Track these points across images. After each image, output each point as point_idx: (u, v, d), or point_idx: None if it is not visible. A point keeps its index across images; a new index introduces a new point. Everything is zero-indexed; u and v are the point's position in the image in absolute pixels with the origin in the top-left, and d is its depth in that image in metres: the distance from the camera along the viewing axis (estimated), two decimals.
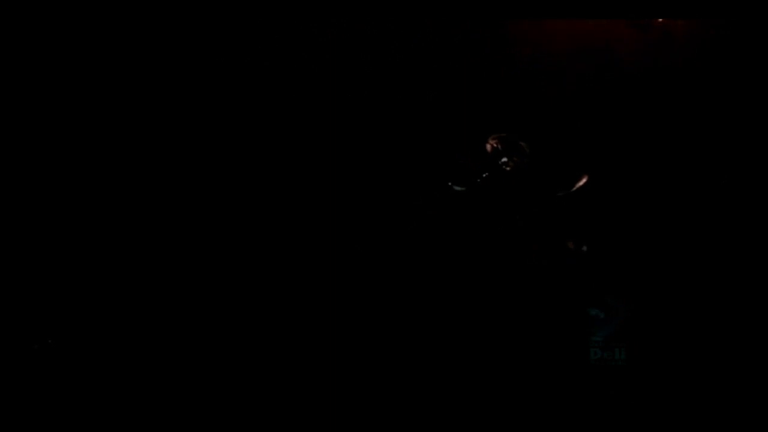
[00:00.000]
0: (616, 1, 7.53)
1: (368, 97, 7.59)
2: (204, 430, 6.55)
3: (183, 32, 7.62)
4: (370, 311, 6.89)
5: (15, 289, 7.03)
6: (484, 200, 6.68)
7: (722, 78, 7.49)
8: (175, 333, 6.91)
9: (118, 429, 6.49)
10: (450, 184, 6.69)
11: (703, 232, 7.21)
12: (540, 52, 7.62)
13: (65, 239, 7.25)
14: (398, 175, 7.45)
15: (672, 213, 7.30)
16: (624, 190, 7.35)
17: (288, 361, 6.78)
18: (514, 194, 6.63)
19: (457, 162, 6.80)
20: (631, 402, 6.48)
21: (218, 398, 6.64)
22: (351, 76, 7.62)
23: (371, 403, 6.57)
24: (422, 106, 7.57)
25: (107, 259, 7.22)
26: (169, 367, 6.74)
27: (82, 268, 7.17)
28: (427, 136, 7.52)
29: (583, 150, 7.33)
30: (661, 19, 7.60)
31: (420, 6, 7.59)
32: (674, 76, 7.54)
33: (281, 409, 6.61)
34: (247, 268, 7.23)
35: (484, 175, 6.62)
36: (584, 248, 6.64)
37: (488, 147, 6.68)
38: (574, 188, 6.63)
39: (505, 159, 6.62)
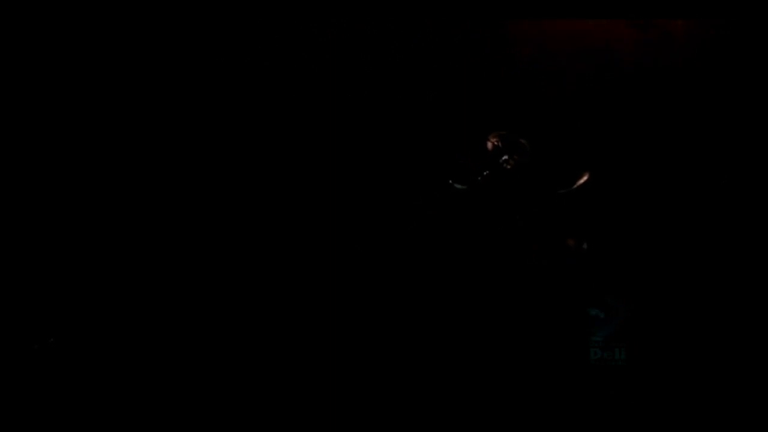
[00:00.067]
0: (616, 1, 7.54)
1: (368, 97, 7.59)
2: (204, 430, 6.54)
3: (183, 32, 7.62)
4: (370, 311, 6.89)
5: (15, 288, 7.03)
6: (485, 199, 6.67)
7: (722, 78, 7.49)
8: (175, 333, 6.90)
9: (118, 429, 6.49)
10: (450, 182, 6.68)
11: (703, 231, 7.21)
12: (540, 52, 7.62)
13: (65, 239, 7.25)
14: (398, 175, 7.45)
15: (672, 213, 7.30)
16: (624, 189, 7.36)
17: (288, 361, 6.78)
18: (515, 192, 6.63)
19: (458, 162, 6.80)
20: (631, 402, 6.47)
21: (218, 398, 6.64)
22: (351, 76, 7.62)
23: (371, 403, 6.56)
24: (422, 106, 7.58)
25: (107, 259, 7.22)
26: (170, 367, 6.74)
27: (82, 268, 7.17)
28: (427, 136, 7.52)
29: (584, 149, 7.34)
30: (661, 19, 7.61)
31: (420, 6, 7.60)
32: (674, 76, 7.55)
33: (281, 409, 6.61)
34: (247, 268, 7.23)
35: (484, 173, 6.62)
36: (584, 246, 6.64)
37: (489, 145, 6.68)
38: (575, 186, 6.63)
39: (505, 157, 6.62)
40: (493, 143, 6.66)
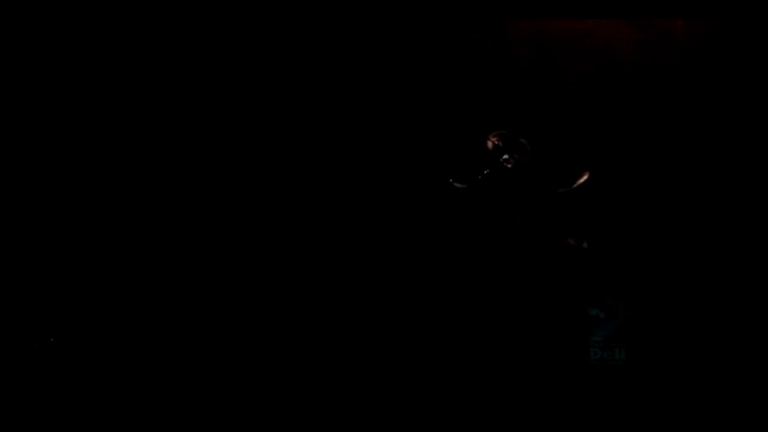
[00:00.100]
0: (616, 1, 7.54)
1: (368, 97, 7.60)
2: (204, 430, 6.54)
3: (183, 32, 7.62)
4: (370, 311, 6.89)
5: (16, 288, 7.03)
6: (485, 198, 6.67)
7: (722, 78, 7.50)
8: (175, 332, 6.90)
9: (118, 429, 6.49)
10: (451, 181, 6.68)
11: (703, 231, 7.21)
12: (540, 52, 7.63)
13: (66, 239, 7.25)
14: (398, 175, 7.45)
15: (672, 213, 7.30)
16: (624, 189, 7.36)
17: (288, 361, 6.78)
18: (515, 191, 6.63)
19: (458, 161, 6.80)
20: (631, 402, 6.47)
21: (218, 398, 6.63)
22: (351, 76, 7.62)
23: (371, 402, 6.56)
24: (422, 105, 7.58)
25: (108, 259, 7.22)
26: (170, 367, 6.74)
27: (82, 268, 7.17)
28: (427, 136, 7.52)
29: (584, 149, 7.34)
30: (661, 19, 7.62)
31: (420, 6, 7.60)
32: (674, 76, 7.55)
33: (281, 409, 6.61)
34: (247, 268, 7.23)
35: (485, 172, 6.62)
36: (585, 245, 6.64)
37: (489, 144, 6.68)
38: (575, 185, 6.63)
39: (506, 156, 6.61)
40: (493, 142, 6.67)
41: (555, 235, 6.65)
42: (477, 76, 7.58)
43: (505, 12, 7.59)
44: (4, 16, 7.51)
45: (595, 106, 7.53)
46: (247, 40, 7.63)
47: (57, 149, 7.44)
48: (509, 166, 6.62)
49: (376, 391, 6.59)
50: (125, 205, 7.39)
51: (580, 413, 6.40)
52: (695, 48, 7.57)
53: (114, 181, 7.44)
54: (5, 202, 7.32)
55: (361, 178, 7.48)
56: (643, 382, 6.55)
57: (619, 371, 6.57)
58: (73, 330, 6.82)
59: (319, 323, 6.91)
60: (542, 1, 7.56)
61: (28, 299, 6.97)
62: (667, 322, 6.81)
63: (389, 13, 7.61)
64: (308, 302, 7.03)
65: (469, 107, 7.47)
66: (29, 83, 7.50)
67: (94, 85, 7.54)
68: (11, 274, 7.09)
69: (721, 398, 6.48)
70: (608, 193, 7.21)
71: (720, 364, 6.63)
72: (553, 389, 6.45)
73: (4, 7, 7.50)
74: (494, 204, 6.67)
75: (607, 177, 7.16)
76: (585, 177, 6.63)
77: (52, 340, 6.69)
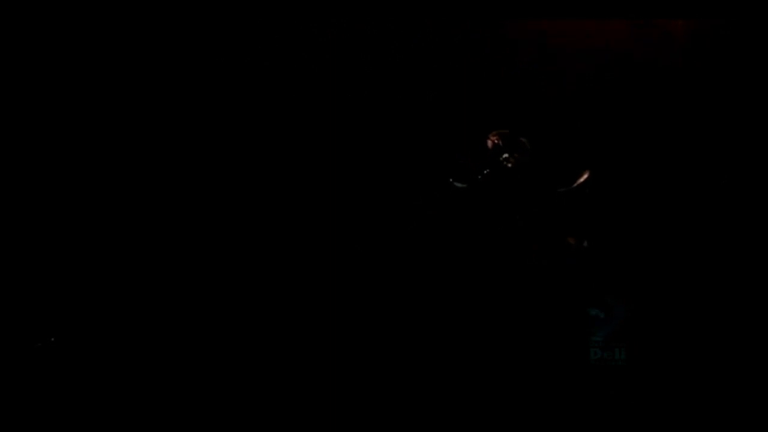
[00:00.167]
0: (616, 1, 7.54)
1: (368, 96, 7.60)
2: (204, 430, 6.54)
3: (183, 32, 7.62)
4: (370, 311, 6.89)
5: (16, 288, 7.03)
6: (485, 198, 6.67)
7: (722, 78, 7.50)
8: (176, 332, 6.90)
9: (119, 428, 6.48)
10: (451, 180, 6.68)
11: (703, 231, 7.22)
12: (540, 52, 7.63)
13: (66, 239, 7.25)
14: (398, 175, 7.45)
15: (672, 213, 7.30)
16: (624, 189, 7.36)
17: (288, 361, 6.78)
18: (515, 191, 6.62)
19: (458, 162, 6.80)
20: (631, 402, 6.47)
21: (218, 398, 6.63)
22: (351, 76, 7.62)
23: (371, 402, 6.56)
24: (422, 105, 7.58)
25: (108, 259, 7.22)
26: (170, 367, 6.74)
27: (83, 268, 7.17)
28: (427, 136, 7.52)
29: (584, 149, 7.34)
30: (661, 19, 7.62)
31: (420, 6, 7.60)
32: (674, 76, 7.55)
33: (281, 409, 6.60)
34: (247, 268, 7.23)
35: (485, 172, 6.61)
36: (585, 244, 6.64)
37: (489, 143, 6.67)
38: (576, 184, 6.63)
39: (506, 155, 6.61)
40: (493, 141, 6.66)
41: (555, 235, 6.64)
42: (477, 76, 7.58)
43: (505, 12, 7.59)
44: (4, 16, 7.51)
45: (595, 106, 7.53)
46: (247, 40, 7.63)
47: (57, 149, 7.44)
48: (509, 165, 6.61)
49: (376, 391, 6.58)
50: (125, 205, 7.39)
51: (580, 413, 6.40)
52: (695, 48, 7.57)
53: (114, 181, 7.44)
54: (5, 202, 7.32)
55: (361, 178, 7.48)
56: (643, 382, 6.55)
57: (619, 371, 6.57)
58: (74, 329, 6.82)
59: (319, 323, 6.91)
60: (542, 1, 7.56)
61: (28, 299, 6.97)
62: (666, 323, 6.80)
63: (389, 13, 7.61)
64: (308, 302, 7.02)
65: (469, 107, 7.47)
66: (29, 83, 7.49)
67: (94, 85, 7.54)
68: (12, 273, 7.09)
69: (721, 398, 6.48)
70: (608, 193, 7.21)
71: (720, 363, 6.63)
72: (553, 389, 6.44)
73: (4, 7, 7.50)
74: (494, 204, 6.67)
75: (607, 177, 7.16)
76: (585, 176, 6.63)
77: (53, 339, 6.69)
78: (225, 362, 6.77)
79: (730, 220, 7.22)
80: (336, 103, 7.56)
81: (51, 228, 7.28)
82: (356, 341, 6.80)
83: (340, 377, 6.69)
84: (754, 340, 6.74)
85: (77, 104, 7.51)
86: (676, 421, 6.42)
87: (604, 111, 7.53)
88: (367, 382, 6.64)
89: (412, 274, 6.91)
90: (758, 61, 7.46)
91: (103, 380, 6.62)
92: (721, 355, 6.67)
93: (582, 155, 7.20)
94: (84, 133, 7.49)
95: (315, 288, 7.08)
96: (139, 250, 7.27)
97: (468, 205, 6.74)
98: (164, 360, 6.77)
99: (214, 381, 6.69)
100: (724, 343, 6.72)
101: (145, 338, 6.86)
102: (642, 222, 7.28)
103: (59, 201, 7.35)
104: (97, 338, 6.81)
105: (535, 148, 6.72)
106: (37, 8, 7.52)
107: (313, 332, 6.88)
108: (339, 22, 7.62)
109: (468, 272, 6.75)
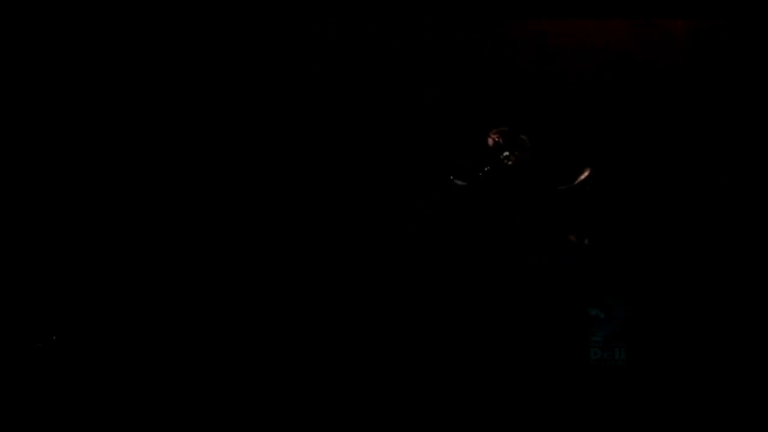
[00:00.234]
0: (616, 1, 7.54)
1: (368, 96, 7.60)
2: (204, 430, 6.54)
3: (183, 32, 7.62)
4: (370, 311, 6.89)
5: (17, 288, 7.03)
6: (486, 196, 6.67)
7: (722, 78, 7.50)
8: (176, 332, 6.90)
9: (119, 428, 6.48)
10: (451, 178, 6.68)
11: (703, 231, 7.22)
12: (540, 52, 7.63)
13: (67, 239, 7.26)
14: (398, 175, 7.45)
15: (672, 212, 7.30)
16: (624, 189, 7.36)
17: (288, 361, 6.77)
18: (516, 189, 6.62)
19: (458, 162, 6.79)
20: (631, 402, 6.46)
21: (218, 398, 6.63)
22: (351, 76, 7.62)
23: (371, 402, 6.56)
24: (422, 105, 7.58)
25: (109, 259, 7.22)
26: (171, 366, 6.73)
27: (83, 268, 7.17)
28: (427, 136, 7.52)
29: (584, 149, 7.34)
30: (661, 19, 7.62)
31: (420, 6, 7.60)
32: (674, 76, 7.55)
33: (281, 409, 6.60)
34: (247, 268, 7.23)
35: (486, 169, 6.61)
36: (586, 241, 6.64)
37: (490, 141, 6.67)
38: (576, 182, 6.62)
39: (506, 153, 6.60)
40: (494, 139, 6.65)
41: (555, 234, 6.64)
42: (477, 76, 7.58)
43: (505, 12, 7.59)
44: (4, 16, 7.51)
45: (595, 105, 7.54)
46: (247, 40, 7.64)
47: (57, 149, 7.44)
48: (510, 163, 6.61)
49: (376, 391, 6.58)
50: (126, 205, 7.39)
51: (580, 413, 6.40)
52: (695, 48, 7.57)
53: (114, 181, 7.44)
54: (5, 202, 7.32)
55: (361, 178, 7.48)
56: (643, 382, 6.54)
57: (619, 371, 6.56)
58: (75, 329, 6.82)
59: (319, 323, 6.91)
60: (542, 1, 7.56)
61: (29, 298, 6.97)
62: (666, 323, 6.80)
63: (389, 13, 7.61)
64: (308, 302, 7.02)
65: (469, 107, 7.47)
66: (29, 83, 7.50)
67: (94, 85, 7.54)
68: (13, 273, 7.09)
69: (721, 398, 6.48)
70: (608, 192, 7.21)
71: (720, 363, 6.63)
72: (553, 389, 6.44)
73: (4, 7, 7.50)
74: (495, 202, 6.67)
75: (607, 177, 7.16)
76: (586, 173, 6.62)
77: (54, 338, 6.69)
78: (225, 362, 6.77)
79: (730, 219, 7.22)
80: (336, 103, 7.56)
81: (51, 228, 7.28)
82: (356, 340, 6.80)
83: (340, 376, 6.69)
84: (753, 339, 6.74)
85: (77, 104, 7.51)
86: (676, 421, 6.41)
87: (604, 110, 7.54)
88: (367, 381, 6.63)
89: (412, 273, 6.91)
90: (758, 61, 7.46)
91: (104, 380, 6.62)
92: (721, 354, 6.67)
93: (582, 154, 7.19)
94: (84, 133, 7.49)
95: (315, 288, 7.08)
96: (140, 250, 7.27)
97: (468, 204, 6.73)
98: (164, 360, 6.77)
99: (214, 381, 6.68)
100: (723, 343, 6.72)
101: (145, 338, 6.86)
102: (642, 221, 7.28)
103: (59, 201, 7.35)
104: (98, 338, 6.81)
105: (535, 146, 6.72)
106: (37, 8, 7.52)
107: (313, 332, 6.88)
108: (339, 22, 7.62)
109: (468, 272, 6.75)
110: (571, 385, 6.48)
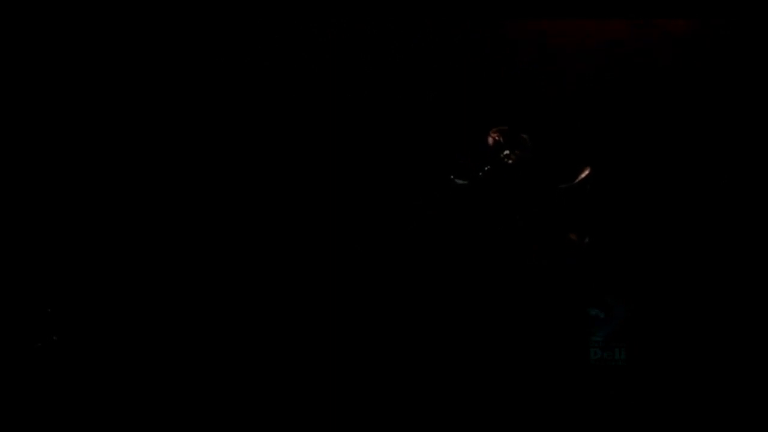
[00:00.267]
0: (616, 1, 7.55)
1: (368, 96, 7.60)
2: (204, 430, 6.54)
3: (183, 32, 7.62)
4: (370, 311, 6.89)
5: (18, 288, 7.03)
6: (486, 195, 6.67)
7: (722, 78, 7.50)
8: (176, 332, 6.90)
9: (119, 428, 6.48)
10: (452, 177, 6.67)
11: (703, 231, 7.22)
12: (540, 52, 7.63)
13: (67, 239, 7.26)
14: (398, 175, 7.45)
15: (672, 212, 7.31)
16: (624, 190, 7.36)
17: (288, 361, 6.77)
18: (516, 187, 6.62)
19: (458, 162, 6.79)
20: (631, 402, 6.46)
21: (218, 398, 6.63)
22: (351, 76, 7.62)
23: (371, 402, 6.55)
24: (422, 105, 7.58)
25: (109, 259, 7.22)
26: (171, 366, 6.73)
27: (84, 268, 7.17)
28: (427, 136, 7.52)
29: (584, 150, 7.34)
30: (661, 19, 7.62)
31: (420, 6, 7.60)
32: (674, 75, 7.55)
33: (281, 409, 6.60)
34: (247, 268, 7.23)
35: (486, 168, 6.61)
36: (586, 240, 6.64)
37: (490, 140, 6.66)
38: (577, 181, 6.62)
39: (507, 152, 6.60)
40: (494, 138, 6.65)
41: (555, 234, 6.64)
42: (477, 76, 7.58)
43: (505, 12, 7.59)
44: (4, 16, 7.51)
45: (595, 105, 7.54)
46: (247, 40, 7.64)
47: (57, 149, 7.45)
48: (510, 162, 6.60)
49: (376, 391, 6.58)
50: (126, 205, 7.39)
51: (580, 413, 6.39)
52: (695, 48, 7.57)
53: (114, 181, 7.44)
54: (5, 202, 7.32)
55: (361, 178, 7.48)
56: (643, 382, 6.54)
57: (619, 371, 6.56)
58: (75, 329, 6.82)
59: (319, 323, 6.91)
60: (542, 1, 7.56)
61: (30, 298, 6.97)
62: (666, 323, 6.80)
63: (389, 13, 7.61)
64: (308, 302, 7.02)
65: (469, 107, 7.47)
66: (29, 83, 7.50)
67: (94, 85, 7.54)
68: (13, 273, 7.09)
69: (721, 398, 6.48)
70: (609, 193, 7.21)
71: (720, 363, 6.63)
72: (553, 389, 6.44)
73: (4, 7, 7.50)
74: (495, 202, 6.66)
75: (607, 177, 7.16)
76: (586, 172, 6.62)
77: (54, 338, 6.69)
78: (225, 362, 6.77)
79: (730, 219, 7.22)
80: (336, 103, 7.56)
81: (51, 228, 7.28)
82: (356, 340, 6.80)
83: (340, 376, 6.68)
84: (753, 339, 6.74)
85: (77, 104, 7.51)
86: (676, 421, 6.41)
87: (604, 110, 7.54)
88: (367, 381, 6.63)
89: (412, 273, 6.91)
90: (758, 61, 7.46)
91: (104, 380, 6.62)
92: (721, 354, 6.67)
93: (582, 153, 7.19)
94: (84, 133, 7.49)
95: (315, 288, 7.08)
96: (140, 250, 7.27)
97: (468, 203, 6.73)
98: (165, 360, 6.77)
99: (214, 381, 6.68)
100: (723, 343, 6.72)
101: (145, 338, 6.86)
102: (642, 221, 7.28)
103: (60, 201, 7.35)
104: (98, 338, 6.81)
105: (535, 145, 6.71)
106: (37, 8, 7.52)
107: (313, 332, 6.88)
108: (339, 22, 7.62)
109: (468, 272, 6.75)
110: (571, 385, 6.47)
